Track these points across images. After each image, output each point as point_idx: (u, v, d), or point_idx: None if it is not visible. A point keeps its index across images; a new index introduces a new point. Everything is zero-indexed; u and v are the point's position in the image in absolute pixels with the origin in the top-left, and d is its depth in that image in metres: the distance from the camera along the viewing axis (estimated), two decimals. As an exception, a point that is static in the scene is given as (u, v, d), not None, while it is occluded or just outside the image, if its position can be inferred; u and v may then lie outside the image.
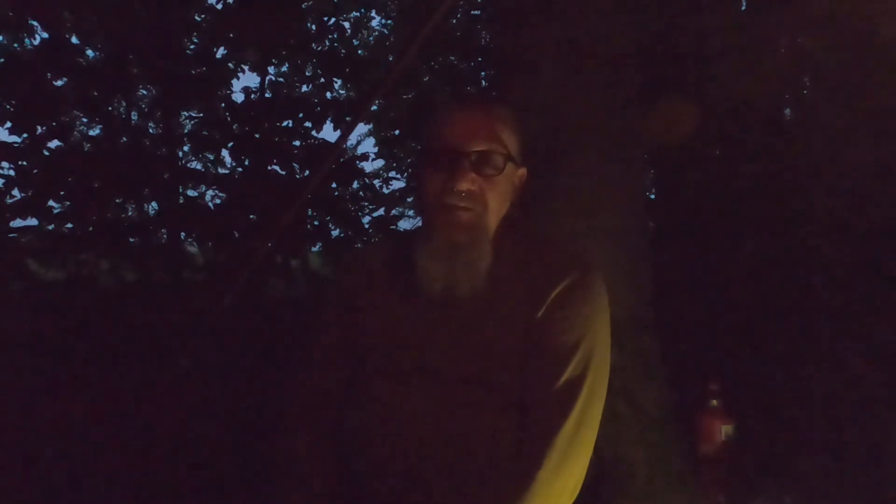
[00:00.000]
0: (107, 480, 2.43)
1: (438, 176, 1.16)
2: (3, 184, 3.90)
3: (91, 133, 5.34)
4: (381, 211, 5.79)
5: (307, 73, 5.73)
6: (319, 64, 5.59)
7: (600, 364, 1.18)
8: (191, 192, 4.99)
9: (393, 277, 1.26)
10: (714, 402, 2.25)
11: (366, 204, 5.45)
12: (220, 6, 4.90)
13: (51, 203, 3.98)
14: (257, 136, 4.69)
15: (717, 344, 3.28)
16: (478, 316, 1.17)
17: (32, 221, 3.97)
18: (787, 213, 3.64)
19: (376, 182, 6.04)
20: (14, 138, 3.92)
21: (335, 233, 4.87)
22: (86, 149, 4.74)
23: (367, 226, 5.11)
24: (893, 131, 3.27)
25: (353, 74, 5.76)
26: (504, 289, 1.18)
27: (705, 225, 3.86)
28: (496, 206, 1.19)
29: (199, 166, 5.88)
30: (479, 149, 1.15)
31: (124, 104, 5.12)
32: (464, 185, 1.14)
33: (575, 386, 1.14)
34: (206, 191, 5.42)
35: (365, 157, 6.06)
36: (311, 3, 5.92)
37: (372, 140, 10.15)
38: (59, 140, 4.14)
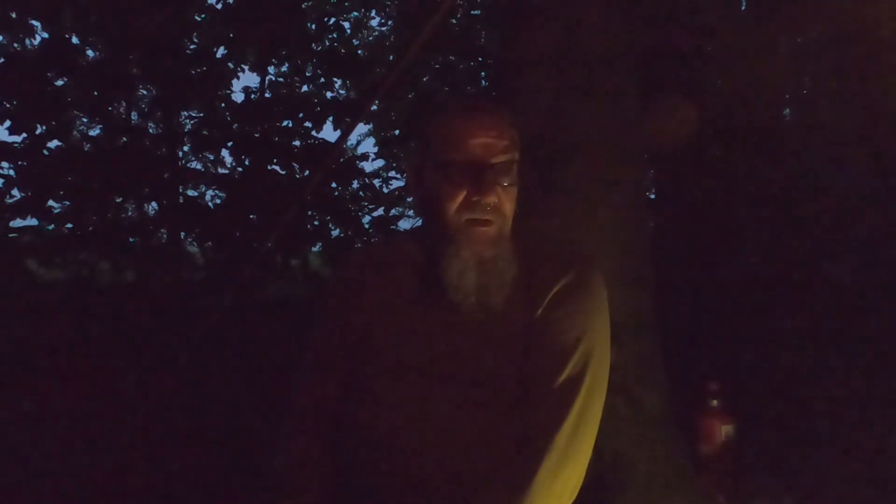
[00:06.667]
0: (107, 479, 2.43)
1: (459, 189, 1.13)
2: (3, 184, 3.90)
3: (91, 133, 5.34)
4: (381, 211, 5.78)
5: (307, 73, 5.72)
6: (319, 64, 5.58)
7: (600, 362, 1.17)
8: (191, 192, 5.00)
9: (399, 280, 1.26)
10: (714, 402, 2.26)
11: (366, 204, 5.44)
12: (220, 6, 4.91)
13: (51, 203, 3.99)
14: (257, 136, 4.69)
15: (717, 344, 3.28)
16: (482, 316, 1.17)
17: (32, 221, 3.97)
18: (788, 212, 3.64)
19: (376, 182, 6.01)
20: (14, 138, 3.92)
21: (335, 233, 4.87)
22: (86, 149, 4.74)
23: (367, 226, 5.11)
24: (893, 131, 3.28)
25: (353, 74, 5.75)
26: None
27: (705, 224, 3.86)
28: (511, 213, 1.18)
29: (199, 166, 5.88)
30: (499, 160, 1.13)
31: (124, 104, 5.12)
32: (490, 199, 1.12)
33: (574, 384, 1.14)
34: (206, 191, 5.41)
35: (365, 157, 6.05)
36: (311, 3, 5.92)
37: (372, 140, 10.15)
38: (59, 140, 4.14)
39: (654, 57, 3.32)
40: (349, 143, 8.10)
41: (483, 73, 6.35)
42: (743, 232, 3.77)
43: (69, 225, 4.08)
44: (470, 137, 1.13)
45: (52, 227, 4.03)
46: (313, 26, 5.82)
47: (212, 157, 5.99)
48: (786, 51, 3.93)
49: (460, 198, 1.13)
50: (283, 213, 2.78)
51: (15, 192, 3.93)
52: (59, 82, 4.18)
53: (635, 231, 2.19)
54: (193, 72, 4.59)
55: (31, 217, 3.95)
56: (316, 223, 4.82)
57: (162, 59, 4.32)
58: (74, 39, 4.50)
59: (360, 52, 7.63)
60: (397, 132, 6.88)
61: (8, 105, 3.90)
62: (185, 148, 5.35)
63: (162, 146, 4.79)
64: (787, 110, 4.30)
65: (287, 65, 5.70)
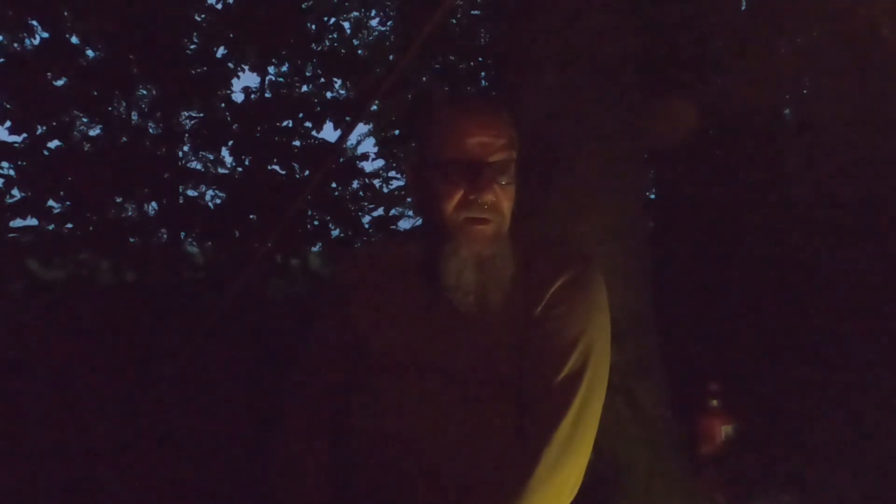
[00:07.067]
0: (106, 479, 2.43)
1: (456, 188, 1.13)
2: (3, 184, 3.91)
3: (91, 133, 5.34)
4: (381, 211, 5.79)
5: (307, 73, 5.73)
6: (319, 64, 5.59)
7: (600, 359, 1.17)
8: (191, 192, 5.00)
9: (398, 279, 1.26)
10: (714, 402, 2.26)
11: (366, 204, 5.45)
12: (220, 6, 4.91)
13: (51, 203, 3.99)
14: (257, 135, 4.69)
15: (717, 344, 3.28)
16: (481, 314, 1.17)
17: (32, 221, 3.98)
18: (787, 212, 3.64)
19: (376, 182, 6.02)
20: (14, 138, 3.93)
21: (335, 233, 4.87)
22: (86, 149, 4.74)
23: (367, 226, 5.11)
24: (893, 131, 3.28)
25: (353, 74, 5.76)
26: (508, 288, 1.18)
27: (705, 225, 3.86)
28: (510, 212, 1.18)
29: (199, 166, 5.89)
30: (497, 159, 1.13)
31: (124, 104, 5.12)
32: (488, 198, 1.12)
33: (574, 381, 1.14)
34: (206, 191, 5.42)
35: (365, 157, 6.06)
36: (311, 3, 5.92)
37: (372, 140, 10.15)
38: (59, 140, 4.14)
39: (654, 57, 3.32)
40: (349, 143, 8.13)
41: (483, 73, 6.35)
42: (742, 232, 3.77)
43: (69, 225, 4.09)
44: (467, 136, 1.13)
45: (52, 227, 4.03)
46: (313, 26, 5.82)
47: (212, 157, 6.00)
48: (786, 51, 3.93)
49: (458, 196, 1.13)
50: (283, 213, 2.78)
51: (15, 191, 3.94)
52: (59, 82, 4.19)
53: (635, 231, 2.19)
54: (193, 72, 4.59)
55: (31, 217, 3.95)
56: (316, 223, 4.83)
57: (162, 59, 4.32)
58: (74, 39, 4.50)
59: (360, 52, 7.63)
60: (397, 132, 6.87)
61: (8, 105, 3.91)
62: (185, 148, 5.36)
63: (162, 146, 4.79)
64: (787, 110, 4.30)
65: (287, 65, 5.69)
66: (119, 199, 4.56)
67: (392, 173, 8.14)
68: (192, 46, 4.96)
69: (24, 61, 4.20)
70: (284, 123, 4.72)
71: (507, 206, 1.16)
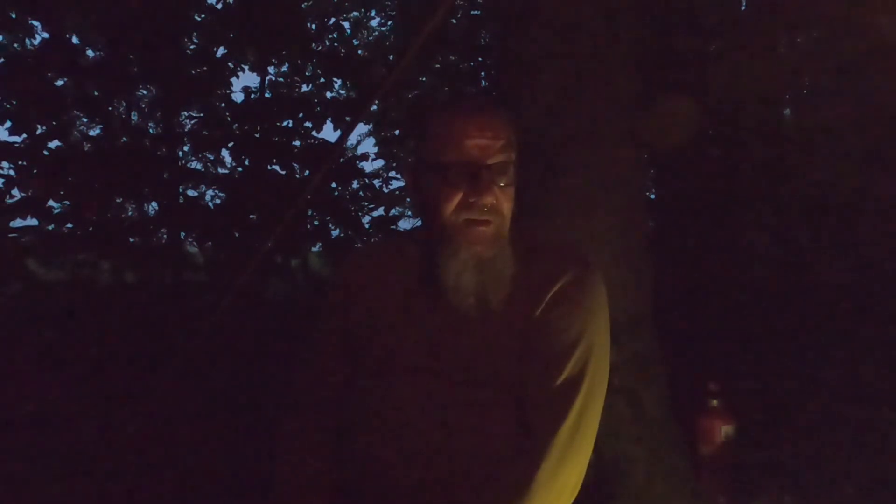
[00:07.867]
0: (106, 479, 2.43)
1: (456, 190, 1.13)
2: (3, 184, 3.90)
3: (91, 133, 5.34)
4: (381, 211, 5.79)
5: (307, 73, 5.73)
6: (319, 64, 5.59)
7: (600, 362, 1.18)
8: (191, 192, 5.00)
9: (399, 280, 1.26)
10: (714, 402, 2.26)
11: (366, 204, 5.45)
12: (220, 6, 4.91)
13: (51, 203, 3.99)
14: (257, 136, 4.69)
15: (717, 344, 3.28)
16: (481, 316, 1.17)
17: (32, 221, 3.97)
18: (787, 212, 3.64)
19: (376, 182, 6.03)
20: (14, 138, 3.93)
21: (335, 233, 4.87)
22: (86, 149, 4.74)
23: (367, 226, 5.11)
24: (892, 131, 3.28)
25: (353, 74, 5.76)
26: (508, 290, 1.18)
27: (705, 225, 3.86)
28: (510, 213, 1.18)
29: (199, 166, 5.89)
30: (496, 161, 1.13)
31: (124, 104, 5.12)
32: (488, 200, 1.12)
33: (574, 384, 1.14)
34: (206, 191, 5.42)
35: (365, 157, 6.07)
36: (311, 3, 5.92)
37: (372, 140, 10.16)
38: (59, 140, 4.14)
39: (654, 57, 3.32)
40: (349, 143, 8.13)
41: (483, 73, 6.34)
42: (742, 232, 3.77)
43: (69, 225, 4.08)
44: (466, 138, 1.12)
45: (52, 227, 4.03)
46: (313, 26, 5.82)
47: (212, 157, 6.00)
48: (786, 51, 3.93)
49: (457, 199, 1.13)
50: (283, 213, 2.77)
51: (15, 191, 3.94)
52: (59, 82, 4.19)
53: (635, 231, 2.19)
54: (193, 72, 4.59)
55: (31, 217, 3.95)
56: (316, 223, 4.83)
57: (162, 59, 4.32)
58: (74, 39, 4.50)
59: (360, 52, 7.63)
60: (397, 132, 6.88)
61: (8, 105, 3.91)
62: (185, 148, 5.36)
63: (162, 146, 4.79)
64: (787, 110, 4.30)
65: (287, 65, 5.69)
66: (119, 199, 4.56)
67: (392, 173, 8.16)
68: (192, 46, 4.96)
69: (24, 61, 4.21)
70: (284, 123, 4.72)
71: (507, 207, 1.16)
